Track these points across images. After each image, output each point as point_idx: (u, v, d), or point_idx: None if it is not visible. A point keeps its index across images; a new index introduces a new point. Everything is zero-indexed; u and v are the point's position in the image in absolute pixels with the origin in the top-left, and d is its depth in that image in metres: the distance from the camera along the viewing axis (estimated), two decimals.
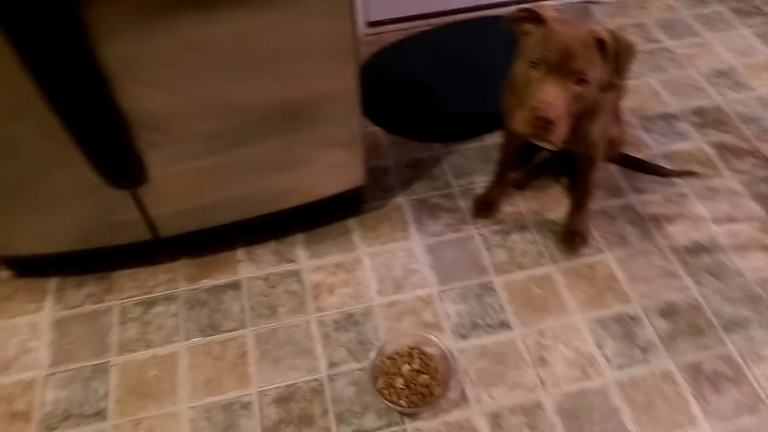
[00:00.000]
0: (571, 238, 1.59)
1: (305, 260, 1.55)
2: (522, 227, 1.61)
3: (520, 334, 1.39)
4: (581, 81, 1.15)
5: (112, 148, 1.24)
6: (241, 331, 1.41)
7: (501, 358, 1.35)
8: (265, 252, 1.58)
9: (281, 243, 1.59)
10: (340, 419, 1.26)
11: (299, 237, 1.60)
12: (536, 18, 1.18)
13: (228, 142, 1.31)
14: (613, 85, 1.26)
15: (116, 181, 1.31)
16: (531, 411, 1.27)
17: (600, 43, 1.15)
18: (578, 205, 1.60)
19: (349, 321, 1.43)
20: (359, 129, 1.40)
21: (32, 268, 1.54)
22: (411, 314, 1.43)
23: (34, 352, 1.40)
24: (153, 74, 1.13)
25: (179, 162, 1.32)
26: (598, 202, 1.66)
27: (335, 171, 1.48)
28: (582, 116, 1.26)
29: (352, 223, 1.63)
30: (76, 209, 1.36)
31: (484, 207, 1.64)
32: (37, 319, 1.46)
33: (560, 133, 1.16)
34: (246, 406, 1.30)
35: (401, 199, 1.68)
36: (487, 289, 1.48)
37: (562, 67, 1.14)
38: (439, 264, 1.52)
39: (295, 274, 1.52)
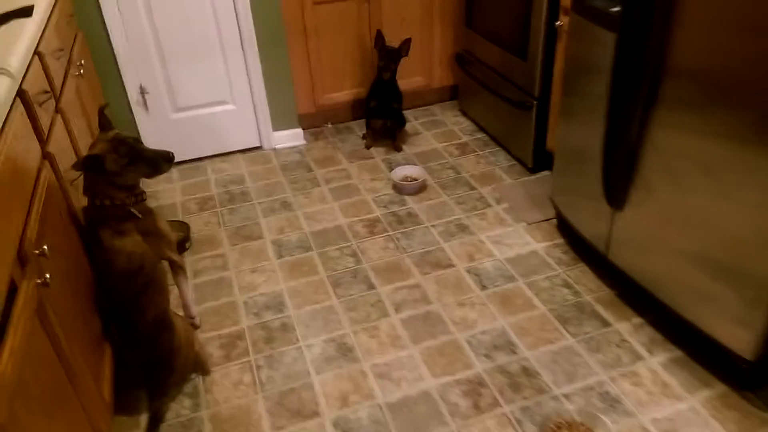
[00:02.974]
0: None
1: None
2: None
3: None
4: None
5: (617, 172, 1.88)
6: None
7: None
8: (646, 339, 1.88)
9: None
10: None
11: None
12: None
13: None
14: None
15: (607, 194, 1.97)
16: None
17: None
18: None
19: None
20: None
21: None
22: None
23: None
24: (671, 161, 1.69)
25: (649, 219, 1.82)
26: None
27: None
28: None
29: (721, 388, 1.74)
30: (586, 184, 2.08)
31: None
32: None
33: None
34: None
35: None
36: None
37: None
38: None
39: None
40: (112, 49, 2.74)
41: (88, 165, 1.61)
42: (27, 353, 1.10)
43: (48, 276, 1.25)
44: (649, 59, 1.66)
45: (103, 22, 2.67)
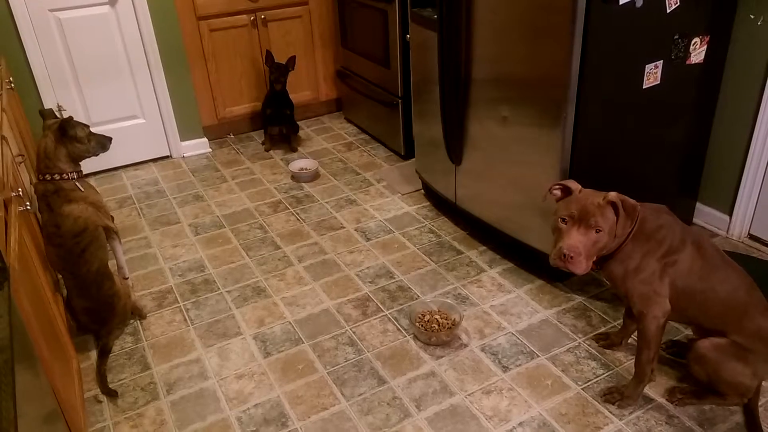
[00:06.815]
0: (610, 389, 1.82)
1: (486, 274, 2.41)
2: (605, 365, 1.96)
3: None
4: (598, 231, 1.55)
5: (454, 141, 2.51)
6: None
7: None
8: (484, 259, 2.50)
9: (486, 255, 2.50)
10: None
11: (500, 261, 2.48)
12: (566, 189, 1.64)
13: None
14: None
15: (449, 154, 2.59)
16: None
17: (612, 205, 1.55)
18: (635, 365, 1.76)
19: None
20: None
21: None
22: None
23: None
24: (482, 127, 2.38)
25: (475, 171, 2.50)
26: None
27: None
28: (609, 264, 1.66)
29: (539, 282, 2.34)
30: (437, 155, 2.70)
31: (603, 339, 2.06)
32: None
33: (581, 267, 1.57)
34: None
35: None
36: None
37: (584, 220, 1.55)
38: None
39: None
40: (31, 72, 3.10)
41: (64, 126, 2.01)
42: (21, 245, 1.51)
43: (28, 204, 1.66)
44: (461, 66, 2.34)
45: (23, 49, 3.03)
